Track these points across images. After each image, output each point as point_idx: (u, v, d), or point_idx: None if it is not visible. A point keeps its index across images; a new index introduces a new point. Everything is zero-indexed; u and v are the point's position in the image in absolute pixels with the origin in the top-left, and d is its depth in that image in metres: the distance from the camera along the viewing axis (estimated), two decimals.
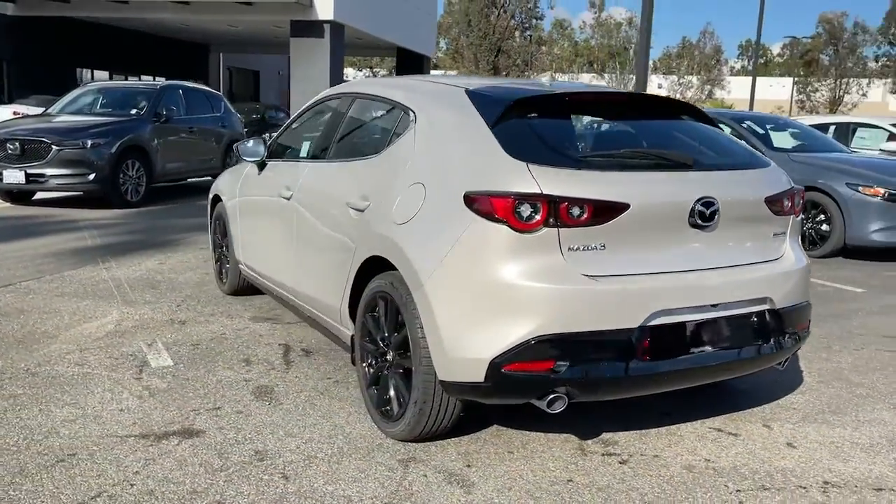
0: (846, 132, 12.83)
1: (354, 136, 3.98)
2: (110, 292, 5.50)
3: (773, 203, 3.11)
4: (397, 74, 33.62)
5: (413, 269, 2.88)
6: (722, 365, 2.97)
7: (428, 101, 3.34)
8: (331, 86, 24.30)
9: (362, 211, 3.34)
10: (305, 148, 4.42)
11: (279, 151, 4.66)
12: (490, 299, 2.70)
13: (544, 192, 2.66)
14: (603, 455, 3.08)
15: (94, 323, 4.75)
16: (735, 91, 59.61)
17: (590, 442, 3.20)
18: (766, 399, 3.74)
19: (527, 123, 2.99)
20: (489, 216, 2.69)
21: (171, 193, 11.74)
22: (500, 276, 2.68)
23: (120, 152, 9.92)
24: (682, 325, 2.82)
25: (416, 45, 31.23)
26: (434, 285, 2.78)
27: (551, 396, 2.71)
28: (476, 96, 3.17)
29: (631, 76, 62.39)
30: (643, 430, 3.32)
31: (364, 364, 3.38)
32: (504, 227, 2.67)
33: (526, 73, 59.07)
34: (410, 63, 31.76)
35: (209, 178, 12.38)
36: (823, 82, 57.84)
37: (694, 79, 60.32)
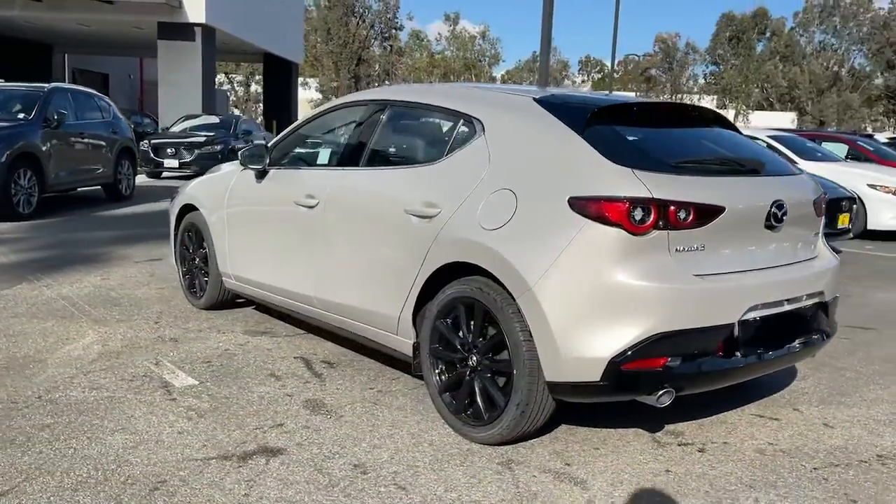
0: None
1: (396, 144, 3.96)
2: (70, 311, 5.08)
3: (816, 206, 3.44)
4: (265, 82, 32.76)
5: (516, 273, 2.93)
6: (790, 355, 3.25)
7: (496, 111, 3.40)
8: (204, 92, 23.42)
9: (430, 218, 3.34)
10: (324, 156, 4.34)
11: (283, 159, 4.53)
12: (606, 300, 2.81)
13: (655, 196, 2.81)
14: (679, 445, 3.27)
15: (76, 344, 4.39)
16: None
17: (660, 434, 3.38)
18: (777, 386, 4.09)
19: (612, 131, 3.14)
20: (602, 220, 2.80)
21: (62, 205, 10.87)
22: (616, 277, 2.79)
23: (11, 161, 9.10)
24: (766, 318, 3.06)
25: (285, 52, 30.64)
26: (544, 288, 2.85)
27: (662, 391, 2.85)
28: (550, 105, 3.27)
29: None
30: (698, 421, 3.55)
31: (435, 371, 3.37)
32: (618, 231, 2.79)
33: (386, 83, 59.36)
34: (278, 70, 31.09)
35: (98, 187, 11.61)
36: (661, 97, 62.33)
37: None
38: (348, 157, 4.08)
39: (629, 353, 2.78)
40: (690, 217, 2.86)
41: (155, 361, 4.14)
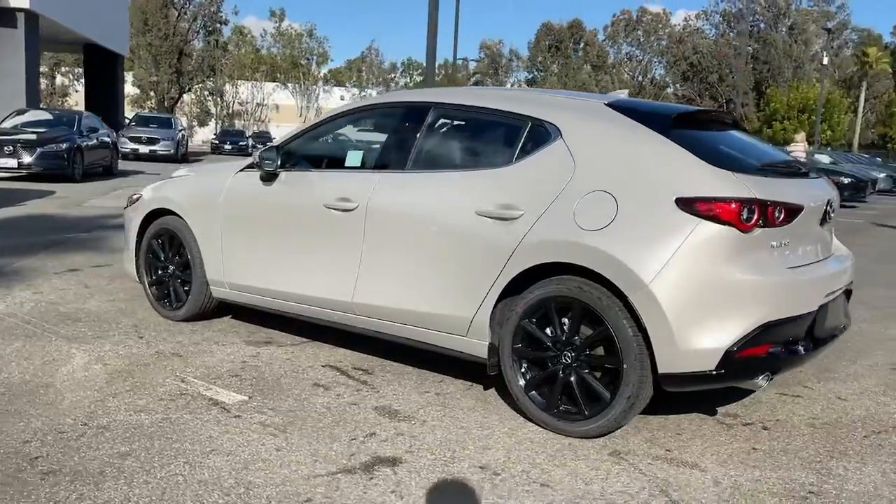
0: None
1: (449, 148, 3.95)
2: (30, 330, 4.55)
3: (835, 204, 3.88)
4: (87, 74, 30.24)
5: (629, 272, 3.06)
6: (837, 337, 3.64)
7: (572, 115, 3.51)
8: (28, 84, 21.28)
9: (511, 220, 3.39)
10: (354, 158, 4.21)
11: (295, 161, 4.35)
12: (721, 294, 3.02)
13: (757, 197, 3.06)
14: (744, 426, 3.56)
15: (71, 365, 3.96)
16: None
17: (720, 417, 3.65)
18: None
19: (692, 135, 3.37)
20: (714, 219, 3.02)
21: None
22: (730, 272, 3.02)
23: None
24: (827, 305, 3.42)
25: (110, 42, 28.57)
26: (661, 285, 3.01)
27: (763, 375, 3.12)
28: (627, 111, 3.45)
29: (314, 86, 63.35)
30: (738, 402, 3.87)
31: (520, 370, 3.43)
32: (730, 229, 3.02)
33: (212, 79, 56.85)
34: (102, 61, 28.89)
35: None
36: None
37: (374, 92, 63.36)
38: (389, 159, 4.01)
39: (743, 342, 3.01)
40: (782, 216, 3.15)
41: (180, 378, 3.83)
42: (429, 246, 3.69)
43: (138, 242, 5.06)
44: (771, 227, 3.13)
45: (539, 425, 3.39)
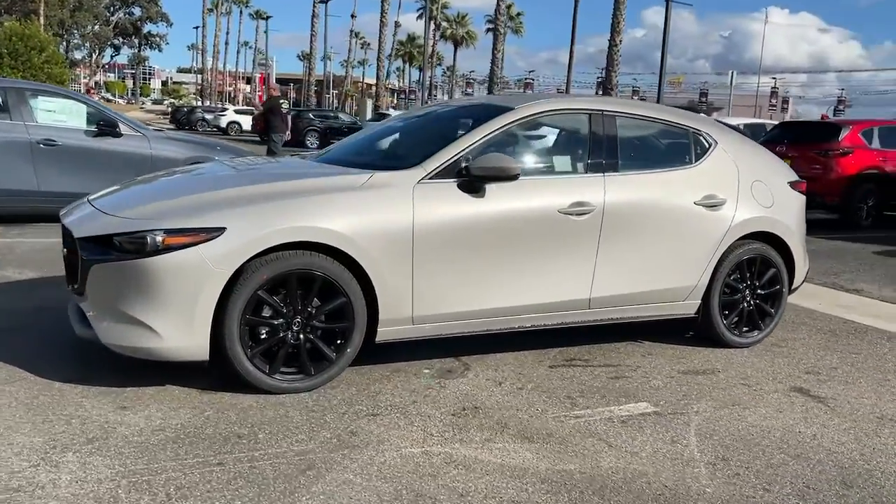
0: None
1: (646, 152, 4.68)
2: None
3: None
4: None
5: (791, 233, 4.88)
6: None
7: (714, 128, 4.90)
8: None
9: (719, 205, 4.62)
10: (562, 163, 4.28)
11: None
12: None
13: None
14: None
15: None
16: None
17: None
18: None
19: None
20: (801, 192, 5.10)
21: None
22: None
23: None
24: None
25: None
26: (796, 239, 4.95)
27: None
28: (730, 126, 5.06)
29: None
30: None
31: (722, 312, 4.73)
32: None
33: None
34: None
35: None
36: None
37: None
38: (601, 162, 4.35)
39: None
40: None
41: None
42: (659, 234, 4.45)
43: (234, 302, 3.47)
44: None
45: (726, 345, 4.80)
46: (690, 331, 4.95)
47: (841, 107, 59.43)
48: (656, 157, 4.84)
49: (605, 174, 4.37)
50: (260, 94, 69.57)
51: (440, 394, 3.78)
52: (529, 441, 3.27)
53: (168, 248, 3.38)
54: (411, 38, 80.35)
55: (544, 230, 4.12)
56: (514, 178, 3.94)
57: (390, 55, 65.62)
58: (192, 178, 4.47)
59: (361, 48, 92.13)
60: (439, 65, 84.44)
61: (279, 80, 73.05)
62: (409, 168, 3.93)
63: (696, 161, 4.74)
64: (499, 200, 4.00)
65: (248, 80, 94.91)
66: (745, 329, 4.86)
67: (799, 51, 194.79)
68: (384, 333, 3.86)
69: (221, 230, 3.45)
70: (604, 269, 4.29)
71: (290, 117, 17.84)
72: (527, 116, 4.30)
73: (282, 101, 16.70)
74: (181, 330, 3.42)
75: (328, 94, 72.33)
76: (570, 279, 4.23)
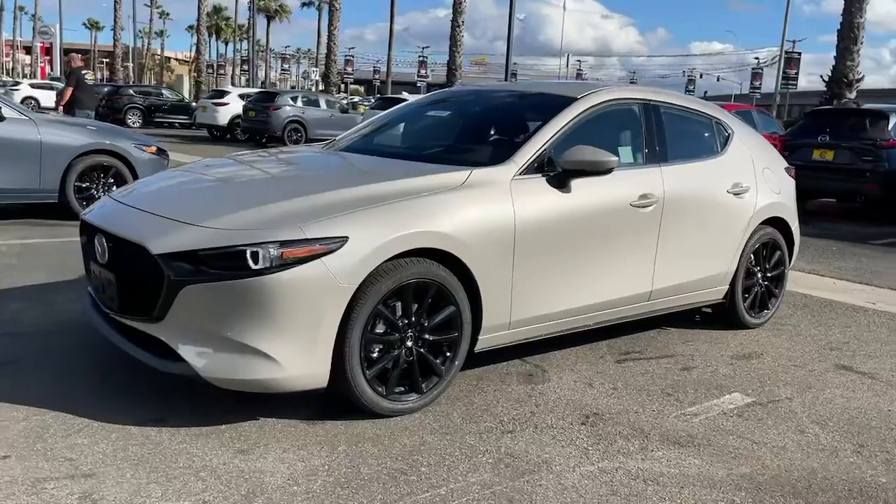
0: None
1: (681, 141, 4.56)
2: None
3: None
4: None
5: (794, 217, 5.14)
6: None
7: (731, 120, 4.98)
8: None
9: (744, 193, 4.77)
10: (625, 154, 4.15)
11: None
12: None
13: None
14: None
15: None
16: None
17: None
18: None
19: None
20: (793, 177, 5.39)
21: None
22: None
23: None
24: None
25: None
26: (796, 224, 5.24)
27: None
28: (741, 117, 5.21)
29: None
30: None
31: (744, 293, 4.93)
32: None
33: None
34: None
35: None
36: None
37: None
38: (650, 153, 4.29)
39: None
40: None
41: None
42: (703, 222, 4.52)
43: (345, 321, 3.05)
44: None
45: (743, 326, 5.02)
46: (697, 315, 5.11)
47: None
48: (692, 146, 4.87)
49: (661, 165, 4.35)
50: (42, 65, 62.66)
51: (546, 401, 3.58)
52: (681, 446, 3.19)
53: (285, 264, 2.89)
54: (217, 10, 76.15)
55: (620, 224, 4.04)
56: (608, 171, 3.79)
57: (196, 27, 61.86)
58: (260, 178, 4.01)
59: (160, 18, 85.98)
60: (246, 38, 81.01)
61: (65, 51, 66.43)
62: (502, 163, 3.66)
63: (721, 150, 4.84)
64: (583, 195, 3.84)
65: (28, 50, 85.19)
66: (757, 310, 5.08)
67: (585, 35, 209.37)
68: (484, 341, 3.59)
69: (344, 239, 3.00)
70: (662, 260, 4.28)
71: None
72: (592, 106, 4.14)
73: (85, 72, 15.07)
74: (303, 356, 2.95)
75: (123, 66, 66.85)
76: (637, 272, 4.18)
